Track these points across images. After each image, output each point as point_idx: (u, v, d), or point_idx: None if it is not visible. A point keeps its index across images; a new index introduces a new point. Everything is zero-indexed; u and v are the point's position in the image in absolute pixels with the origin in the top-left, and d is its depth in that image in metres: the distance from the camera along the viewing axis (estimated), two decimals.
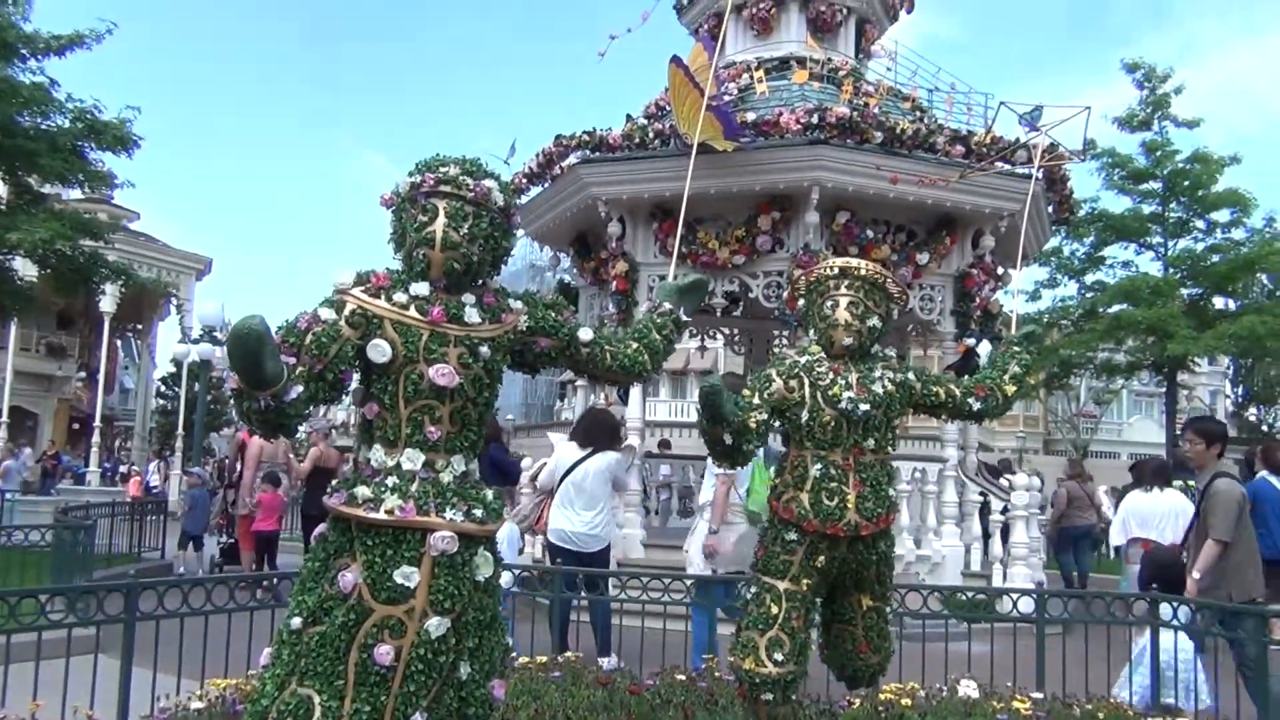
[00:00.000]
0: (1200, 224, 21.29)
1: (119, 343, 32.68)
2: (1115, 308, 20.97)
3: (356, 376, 3.05)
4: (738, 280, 10.11)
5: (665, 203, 9.87)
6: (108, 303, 21.78)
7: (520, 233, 10.77)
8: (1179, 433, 6.87)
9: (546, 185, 11.09)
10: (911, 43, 19.03)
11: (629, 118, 11.02)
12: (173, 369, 35.41)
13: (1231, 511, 5.84)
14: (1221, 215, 21.04)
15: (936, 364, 11.46)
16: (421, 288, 3.04)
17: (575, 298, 11.95)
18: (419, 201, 3.08)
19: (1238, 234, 21.11)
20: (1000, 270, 11.13)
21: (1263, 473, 8.79)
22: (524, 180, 11.18)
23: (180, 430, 26.77)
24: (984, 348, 10.78)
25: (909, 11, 12.34)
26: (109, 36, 14.30)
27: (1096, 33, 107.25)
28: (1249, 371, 31.99)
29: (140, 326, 30.88)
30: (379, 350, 2.95)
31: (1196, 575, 5.84)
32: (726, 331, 14.51)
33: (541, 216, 11.42)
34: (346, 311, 2.95)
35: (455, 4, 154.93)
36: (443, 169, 3.09)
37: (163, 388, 39.68)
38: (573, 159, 10.52)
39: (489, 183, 3.11)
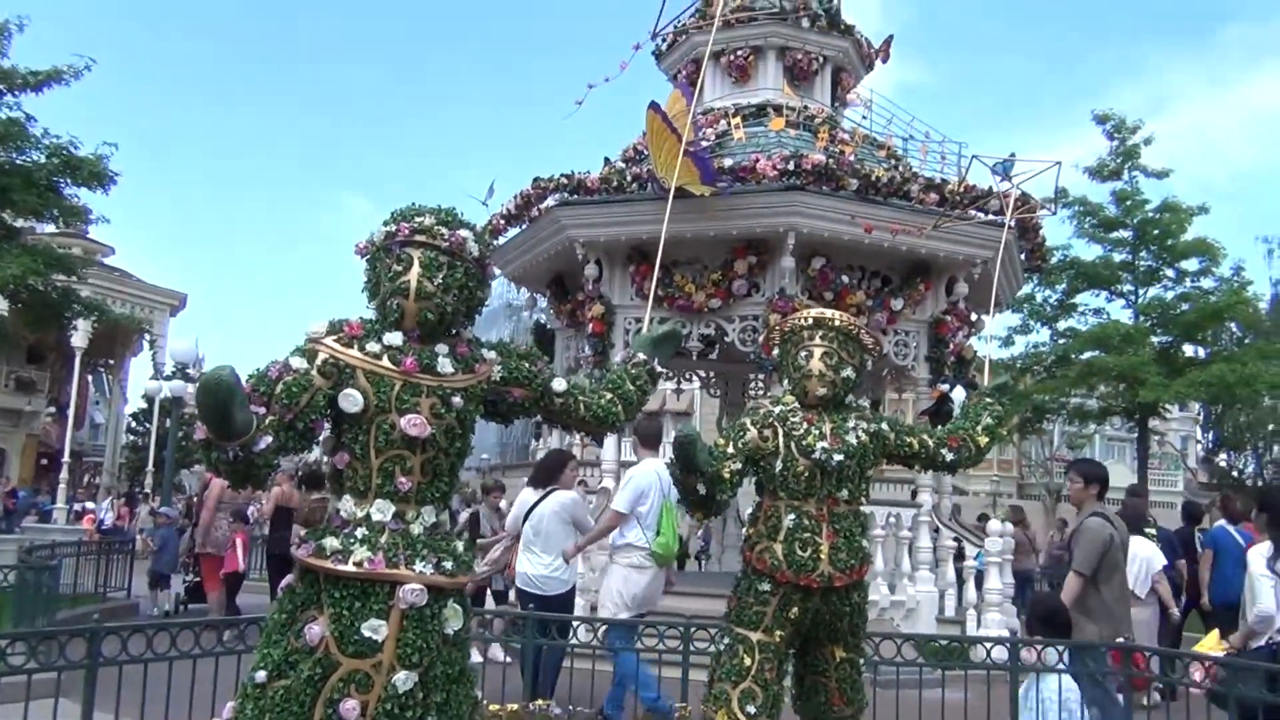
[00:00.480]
0: (1170, 272, 21.54)
1: (90, 378, 32.29)
2: (1087, 354, 21.15)
3: (328, 426, 3.02)
4: (714, 324, 10.14)
5: (642, 246, 9.93)
6: (79, 338, 21.38)
7: (497, 273, 10.81)
8: (1066, 473, 6.88)
9: (524, 227, 11.12)
10: (887, 90, 19.25)
11: (607, 161, 11.09)
12: (144, 405, 35.01)
13: (1095, 547, 5.85)
14: (1190, 264, 21.30)
15: (911, 408, 11.50)
16: (395, 337, 3.03)
17: (551, 339, 11.94)
18: (394, 251, 3.07)
19: (1207, 283, 21.37)
20: (974, 316, 11.23)
21: (1220, 522, 8.87)
22: (502, 222, 11.21)
23: (150, 467, 26.39)
24: (958, 393, 10.84)
25: (884, 61, 12.51)
26: (88, 73, 14.30)
27: (1069, 82, 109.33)
28: (1219, 417, 32.24)
29: (112, 362, 30.52)
30: (351, 400, 2.93)
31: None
32: (702, 374, 14.52)
33: (519, 258, 11.43)
34: (319, 360, 2.94)
35: (437, 46, 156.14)
36: (418, 218, 3.09)
37: (133, 424, 39.25)
38: (551, 201, 10.57)
39: (464, 233, 3.11)
